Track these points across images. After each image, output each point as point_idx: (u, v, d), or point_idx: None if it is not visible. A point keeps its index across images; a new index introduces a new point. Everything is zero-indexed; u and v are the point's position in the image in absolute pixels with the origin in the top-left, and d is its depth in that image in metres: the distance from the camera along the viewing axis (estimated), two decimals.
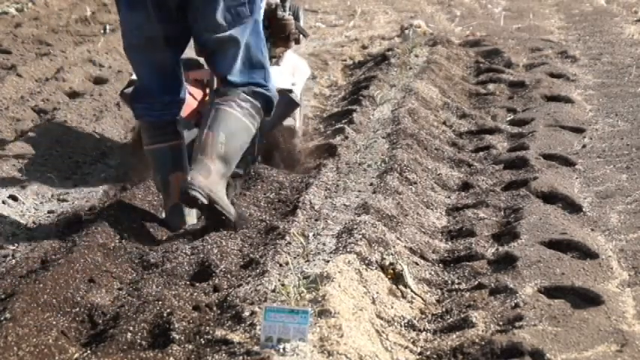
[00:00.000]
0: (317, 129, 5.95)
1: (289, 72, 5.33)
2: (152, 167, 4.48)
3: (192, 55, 4.57)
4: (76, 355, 3.13)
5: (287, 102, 4.96)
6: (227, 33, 4.21)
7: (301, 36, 5.45)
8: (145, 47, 4.26)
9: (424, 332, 3.37)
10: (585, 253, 3.87)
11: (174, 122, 4.38)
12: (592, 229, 4.21)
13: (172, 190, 4.30)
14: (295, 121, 5.29)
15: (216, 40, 4.23)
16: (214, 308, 3.35)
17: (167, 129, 4.36)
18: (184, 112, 4.55)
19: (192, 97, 4.67)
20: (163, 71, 4.33)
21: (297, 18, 5.42)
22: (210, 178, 4.12)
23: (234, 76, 4.27)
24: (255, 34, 4.30)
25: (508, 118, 6.07)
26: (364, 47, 8.51)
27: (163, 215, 4.44)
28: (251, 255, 3.89)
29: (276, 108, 4.48)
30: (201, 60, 4.65)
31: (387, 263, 3.64)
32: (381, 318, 3.37)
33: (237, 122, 4.23)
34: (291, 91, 5.01)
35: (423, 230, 4.26)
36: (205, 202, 4.07)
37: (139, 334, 3.16)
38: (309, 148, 5.41)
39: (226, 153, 4.18)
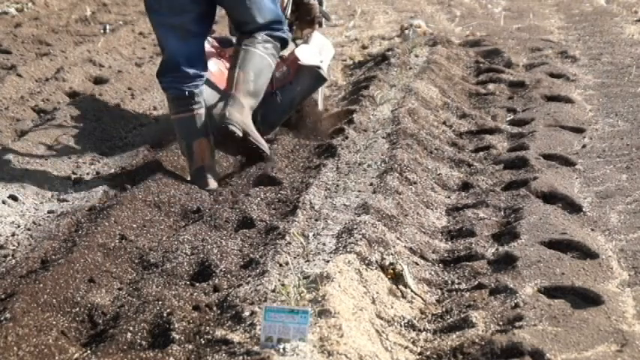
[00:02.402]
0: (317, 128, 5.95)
1: (317, 50, 5.73)
2: (177, 135, 5.00)
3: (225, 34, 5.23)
4: (76, 355, 3.14)
5: (316, 77, 5.54)
6: None
7: (324, 19, 6.03)
8: (177, 24, 4.81)
9: (424, 332, 3.37)
10: (585, 253, 3.87)
11: (197, 94, 4.88)
12: (592, 229, 4.21)
13: (196, 155, 4.85)
14: (318, 94, 5.88)
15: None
16: (214, 308, 3.35)
17: (191, 100, 4.86)
18: (222, 84, 5.16)
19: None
20: (190, 45, 4.86)
21: (320, 2, 6.01)
22: (244, 113, 4.80)
23: (252, 25, 4.92)
24: None
25: (508, 118, 6.07)
26: (364, 47, 8.51)
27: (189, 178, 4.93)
28: (251, 255, 3.90)
29: (305, 82, 5.43)
30: (234, 40, 5.30)
31: (387, 263, 3.64)
32: (381, 318, 3.37)
33: (262, 60, 4.93)
34: (319, 67, 5.53)
35: (423, 230, 4.26)
36: (241, 134, 4.80)
37: (139, 334, 3.16)
38: (327, 120, 5.95)
39: (255, 88, 4.89)
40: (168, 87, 4.91)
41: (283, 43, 5.08)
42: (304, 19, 5.94)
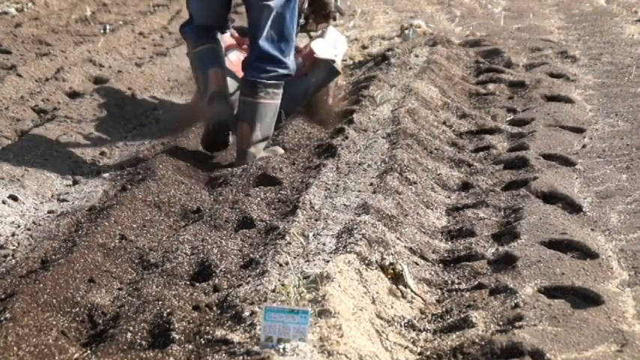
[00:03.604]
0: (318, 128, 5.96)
1: (332, 44, 6.00)
2: (194, 68, 5.36)
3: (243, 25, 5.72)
4: (76, 355, 3.14)
5: (330, 70, 5.85)
6: (271, 2, 5.01)
7: (338, 13, 6.33)
8: None
9: (424, 332, 3.37)
10: (585, 253, 3.87)
11: (216, 34, 5.27)
12: (592, 229, 4.21)
13: (211, 82, 5.17)
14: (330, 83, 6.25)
15: (261, 6, 5.02)
16: (214, 308, 3.35)
17: (209, 34, 5.26)
18: (241, 73, 5.42)
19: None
20: (213, 12, 5.25)
21: None
22: (257, 158, 5.10)
23: (264, 41, 5.06)
24: (291, 10, 5.10)
25: (508, 118, 6.07)
26: (364, 47, 8.51)
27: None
28: (251, 255, 3.89)
29: (320, 75, 5.78)
30: None
31: (387, 263, 3.64)
32: (381, 318, 3.37)
33: (265, 107, 5.13)
34: (334, 61, 5.83)
35: (423, 230, 4.26)
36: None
37: (139, 334, 3.16)
38: (338, 105, 6.32)
39: (263, 133, 5.16)
40: (189, 32, 5.32)
41: (285, 77, 5.20)
42: (320, 13, 6.16)
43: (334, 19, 6.31)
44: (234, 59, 5.67)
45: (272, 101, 5.15)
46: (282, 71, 5.11)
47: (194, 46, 5.27)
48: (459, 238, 4.19)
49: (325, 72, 5.84)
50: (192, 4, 5.32)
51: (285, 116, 5.75)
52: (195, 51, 5.27)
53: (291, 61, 5.15)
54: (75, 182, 5.18)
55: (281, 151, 5.33)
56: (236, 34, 6.04)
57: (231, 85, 5.53)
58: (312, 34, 6.24)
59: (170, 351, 3.04)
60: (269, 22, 5.02)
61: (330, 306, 3.14)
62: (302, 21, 5.96)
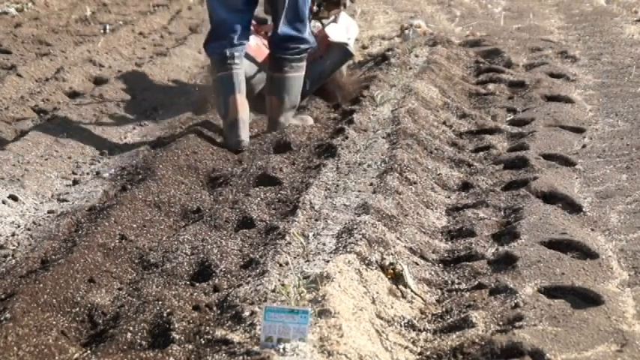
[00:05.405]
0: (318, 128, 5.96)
1: (344, 29, 6.37)
2: (216, 93, 5.62)
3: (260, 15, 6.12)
4: (76, 355, 3.14)
5: (344, 52, 6.27)
6: None
7: (348, 1, 6.62)
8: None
9: (424, 332, 3.37)
10: (585, 253, 3.87)
11: (237, 57, 5.49)
12: (592, 229, 4.21)
13: (231, 108, 5.44)
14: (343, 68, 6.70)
15: None
16: (214, 308, 3.35)
17: (231, 60, 5.48)
18: (260, 58, 5.96)
19: (265, 46, 6.00)
20: (236, 17, 5.50)
21: None
22: (287, 125, 5.59)
23: (283, 26, 5.52)
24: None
25: (508, 118, 6.07)
26: (364, 47, 8.51)
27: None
28: (251, 255, 3.89)
29: (335, 57, 6.22)
30: (269, 20, 6.09)
31: (387, 263, 3.64)
32: (381, 318, 3.37)
33: (292, 80, 5.62)
34: (347, 44, 6.23)
35: (423, 230, 4.26)
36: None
37: (139, 334, 3.16)
38: (350, 85, 6.67)
39: (290, 103, 5.66)
40: (213, 52, 5.56)
41: (307, 50, 5.65)
42: (331, 1, 6.47)
43: (344, 6, 6.57)
44: (254, 45, 5.96)
45: (297, 74, 5.64)
46: (303, 46, 5.59)
47: (217, 71, 5.53)
48: (458, 238, 4.19)
49: (339, 54, 6.24)
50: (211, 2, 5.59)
51: (303, 97, 6.03)
52: (218, 76, 5.54)
53: (308, 34, 5.61)
54: (75, 182, 5.18)
55: (311, 120, 5.83)
56: (254, 22, 6.28)
57: (251, 69, 5.89)
58: (324, 21, 6.50)
59: (170, 351, 3.04)
60: (285, 7, 5.47)
61: (330, 306, 3.14)
62: (315, 8, 6.25)
